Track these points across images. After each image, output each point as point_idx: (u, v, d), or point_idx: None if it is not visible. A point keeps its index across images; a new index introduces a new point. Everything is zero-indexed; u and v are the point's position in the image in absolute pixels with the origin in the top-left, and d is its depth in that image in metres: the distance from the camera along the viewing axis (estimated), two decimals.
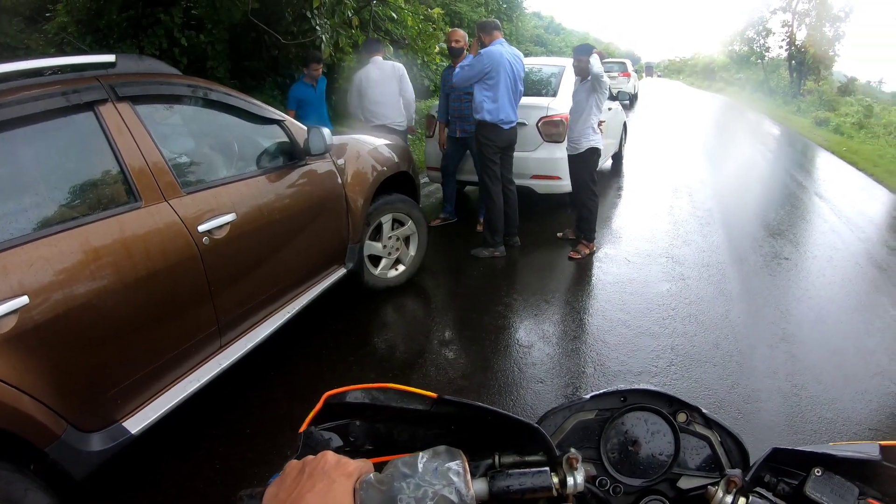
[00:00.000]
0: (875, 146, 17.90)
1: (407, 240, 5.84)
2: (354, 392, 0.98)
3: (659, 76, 77.73)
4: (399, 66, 7.88)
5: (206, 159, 3.96)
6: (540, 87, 8.05)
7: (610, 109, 7.26)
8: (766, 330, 5.23)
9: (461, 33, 7.36)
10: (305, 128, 4.50)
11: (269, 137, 4.37)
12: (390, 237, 5.63)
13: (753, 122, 25.55)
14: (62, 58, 3.26)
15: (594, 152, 6.73)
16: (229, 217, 3.59)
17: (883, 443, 0.92)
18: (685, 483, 1.04)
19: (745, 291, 6.09)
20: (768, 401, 4.19)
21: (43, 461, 2.58)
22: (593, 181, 6.88)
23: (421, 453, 0.78)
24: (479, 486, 0.82)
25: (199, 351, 3.47)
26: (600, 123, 6.74)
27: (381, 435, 1.02)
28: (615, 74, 26.52)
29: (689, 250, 7.25)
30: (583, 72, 6.58)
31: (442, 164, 7.85)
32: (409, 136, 8.42)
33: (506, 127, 6.51)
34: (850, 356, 4.85)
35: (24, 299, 2.48)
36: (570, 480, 0.85)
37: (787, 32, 40.65)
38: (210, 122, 4.12)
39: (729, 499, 0.87)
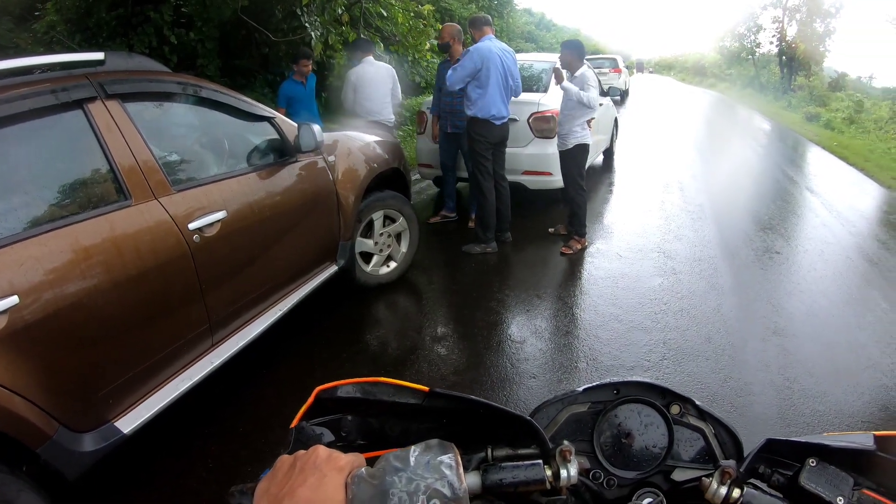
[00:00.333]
0: (866, 141, 17.95)
1: (398, 236, 5.83)
2: (346, 386, 0.98)
3: (650, 72, 77.73)
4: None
5: (197, 157, 3.95)
6: (531, 83, 8.04)
7: (601, 105, 7.25)
8: (757, 324, 5.25)
9: (449, 30, 7.33)
10: (296, 124, 4.48)
11: (260, 134, 4.36)
12: (382, 234, 5.61)
13: (744, 117, 25.61)
14: (51, 56, 3.24)
15: (582, 149, 6.76)
16: (220, 215, 3.58)
17: (877, 433, 0.92)
18: (679, 475, 1.03)
19: (736, 285, 6.10)
20: (761, 394, 4.20)
21: (35, 462, 2.57)
22: (581, 177, 6.89)
23: (413, 447, 0.77)
24: (472, 480, 0.82)
25: (190, 349, 3.46)
26: (589, 121, 6.76)
27: (374, 429, 1.01)
28: (606, 71, 26.45)
29: (681, 245, 7.26)
30: (569, 66, 6.62)
31: (441, 161, 7.86)
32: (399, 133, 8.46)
33: (497, 123, 6.51)
34: (841, 349, 4.87)
35: (14, 299, 2.46)
36: (563, 473, 0.84)
37: (777, 28, 40.68)
38: (200, 119, 4.11)
39: (723, 490, 0.87)
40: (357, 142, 5.37)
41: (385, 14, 11.37)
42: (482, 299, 5.70)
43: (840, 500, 0.86)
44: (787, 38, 39.19)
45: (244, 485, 0.83)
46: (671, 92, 38.53)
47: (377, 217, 5.50)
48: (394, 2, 11.66)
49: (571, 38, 7.31)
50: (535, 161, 7.76)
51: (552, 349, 4.84)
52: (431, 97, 8.16)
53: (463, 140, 7.15)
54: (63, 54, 3.32)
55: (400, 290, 5.91)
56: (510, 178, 7.16)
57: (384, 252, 5.75)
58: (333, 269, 4.92)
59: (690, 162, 13.05)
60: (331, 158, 4.86)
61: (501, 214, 6.96)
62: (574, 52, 6.64)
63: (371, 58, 7.79)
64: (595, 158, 10.57)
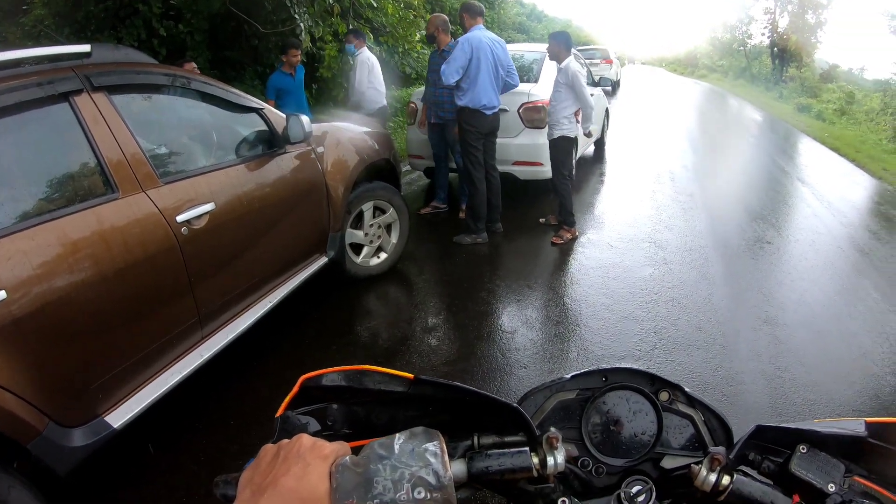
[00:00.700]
0: (857, 132, 18.03)
1: (389, 227, 5.81)
2: (331, 375, 0.96)
3: (642, 63, 77.74)
4: None
5: (184, 148, 3.91)
6: (521, 73, 8.01)
7: (592, 96, 7.25)
8: (749, 313, 5.26)
9: (435, 21, 7.31)
10: (284, 116, 4.46)
11: (248, 126, 4.33)
12: (372, 225, 5.60)
13: (735, 108, 25.67)
14: (37, 49, 3.22)
15: (567, 140, 6.79)
16: (208, 207, 3.56)
17: (868, 419, 0.91)
18: (669, 462, 1.01)
19: (727, 275, 6.12)
20: (752, 383, 4.21)
21: (26, 458, 2.56)
22: (565, 167, 6.93)
23: (398, 435, 0.76)
24: (458, 468, 0.80)
25: (180, 343, 3.44)
26: (576, 113, 6.77)
27: (360, 418, 1.00)
28: (597, 61, 26.46)
29: (672, 235, 7.27)
30: (557, 57, 6.64)
31: (433, 152, 7.85)
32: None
33: (488, 113, 6.50)
34: (832, 339, 4.89)
35: (2, 294, 2.45)
36: (550, 460, 0.83)
37: (769, 20, 40.78)
38: (187, 110, 4.06)
39: (713, 477, 0.86)
40: (346, 133, 5.35)
41: (375, 4, 11.32)
42: (473, 290, 5.69)
43: (831, 487, 0.85)
44: (779, 30, 39.32)
45: (228, 475, 0.82)
46: (662, 83, 38.54)
47: (367, 208, 5.49)
48: None
49: (560, 30, 7.28)
50: (525, 151, 7.76)
51: (543, 339, 4.83)
52: (422, 88, 8.18)
53: (447, 130, 7.19)
54: (48, 47, 3.29)
55: (390, 281, 5.90)
56: (501, 168, 7.16)
57: (374, 243, 5.73)
58: (323, 260, 4.90)
59: (681, 152, 13.07)
60: (320, 149, 4.84)
61: (492, 205, 6.95)
62: (561, 43, 6.63)
63: (365, 47, 7.89)
64: (586, 149, 10.61)
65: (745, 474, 0.88)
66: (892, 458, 0.91)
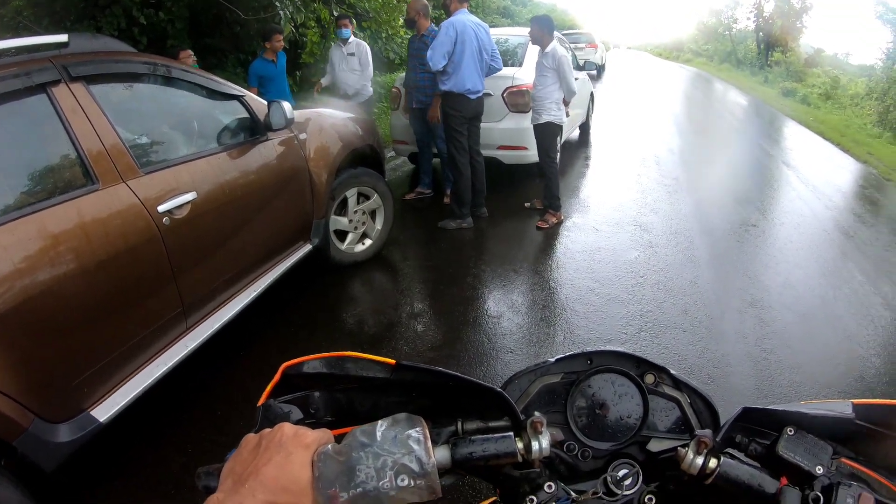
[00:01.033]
0: (842, 116, 18.12)
1: (373, 213, 5.79)
2: (312, 362, 0.95)
3: (628, 48, 77.76)
4: None
5: (165, 138, 3.86)
6: (506, 57, 7.98)
7: (577, 80, 7.23)
8: (734, 296, 5.28)
9: (414, 5, 7.25)
10: (266, 103, 4.42)
11: (229, 113, 4.29)
12: (356, 211, 5.57)
13: (721, 92, 25.71)
14: (14, 40, 3.18)
15: (554, 125, 6.76)
16: (190, 196, 3.52)
17: (855, 401, 0.90)
18: (655, 445, 0.99)
19: (713, 258, 6.13)
20: (738, 365, 4.23)
21: (12, 455, 2.54)
22: (552, 150, 6.91)
23: (380, 421, 0.76)
24: (441, 454, 0.79)
25: (164, 334, 3.41)
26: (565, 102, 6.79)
27: (342, 405, 0.99)
28: (582, 46, 26.46)
29: (657, 218, 7.28)
30: (539, 41, 6.61)
31: (416, 138, 7.80)
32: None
33: (472, 97, 6.47)
34: (818, 321, 4.92)
35: None
36: (534, 445, 0.82)
37: (754, 4, 40.83)
38: (167, 99, 4.02)
39: (700, 460, 0.84)
40: (329, 119, 5.31)
41: None
42: (458, 275, 5.69)
43: (819, 469, 0.83)
44: (765, 14, 39.37)
45: (210, 466, 0.81)
46: (648, 67, 38.51)
47: (351, 194, 5.45)
48: None
49: (542, 14, 7.24)
50: (510, 135, 7.75)
51: (529, 323, 4.83)
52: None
53: (427, 115, 7.13)
54: (25, 38, 3.27)
55: (376, 267, 5.88)
56: (485, 152, 7.15)
57: (359, 230, 5.71)
58: (308, 248, 4.87)
59: (667, 136, 13.07)
60: (302, 136, 4.81)
61: (477, 190, 6.94)
62: (544, 28, 6.58)
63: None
64: (571, 133, 10.62)
65: (733, 457, 0.86)
66: (880, 439, 0.90)
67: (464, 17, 6.33)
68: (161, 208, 3.30)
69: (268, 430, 0.74)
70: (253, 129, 4.35)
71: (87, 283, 2.88)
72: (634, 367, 1.04)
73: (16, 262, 2.56)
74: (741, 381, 4.05)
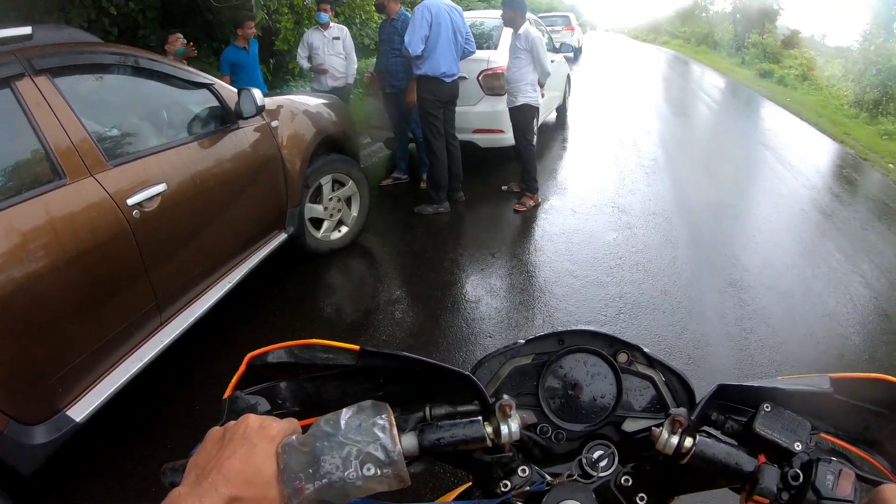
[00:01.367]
0: (818, 97, 18.18)
1: (349, 200, 5.75)
2: (277, 351, 0.94)
3: (605, 31, 77.85)
4: None
5: (133, 129, 3.79)
6: (481, 40, 7.93)
7: (553, 62, 7.19)
8: (713, 276, 5.28)
9: None
10: (236, 90, 4.36)
11: (199, 103, 4.23)
12: (331, 199, 5.53)
13: (698, 73, 25.77)
14: None
15: (530, 108, 6.74)
16: (160, 188, 3.46)
17: (833, 375, 0.88)
18: (630, 426, 0.98)
19: (691, 238, 6.13)
20: (718, 345, 4.24)
21: None
22: (529, 132, 6.89)
23: (345, 409, 0.74)
24: (408, 441, 0.78)
25: (139, 329, 3.37)
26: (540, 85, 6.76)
27: (310, 394, 0.97)
28: (559, 28, 26.41)
29: (636, 199, 7.28)
30: (512, 23, 6.56)
31: (390, 123, 7.76)
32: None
33: (448, 80, 6.42)
34: (797, 300, 4.94)
35: None
36: (504, 429, 0.81)
37: None
38: (135, 89, 3.94)
39: (674, 440, 0.82)
40: (301, 106, 5.26)
41: None
42: (436, 260, 5.65)
43: (798, 446, 0.82)
44: None
45: (176, 462, 0.80)
46: (625, 50, 38.58)
47: (325, 182, 5.41)
48: None
49: None
50: (486, 119, 7.71)
51: (508, 307, 4.80)
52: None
53: (401, 100, 7.10)
54: None
55: (352, 254, 5.83)
56: (461, 136, 7.12)
57: (335, 217, 5.67)
58: (283, 237, 4.83)
59: (644, 118, 13.05)
60: (274, 123, 4.76)
61: (453, 174, 6.91)
62: (516, 9, 6.51)
63: None
64: (548, 115, 10.61)
65: (709, 435, 0.85)
66: (859, 413, 0.89)
67: (437, 0, 6.25)
68: (130, 201, 3.24)
69: (232, 422, 0.73)
70: (223, 118, 4.30)
71: (58, 280, 2.82)
72: (607, 346, 1.01)
73: None
74: (721, 361, 4.07)
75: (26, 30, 3.16)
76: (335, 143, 5.58)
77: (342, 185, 5.59)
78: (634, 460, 0.94)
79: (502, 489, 0.90)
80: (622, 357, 1.01)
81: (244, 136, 4.40)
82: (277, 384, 0.96)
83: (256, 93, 4.30)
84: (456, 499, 1.13)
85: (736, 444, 0.86)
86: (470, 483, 1.02)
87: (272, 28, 11.05)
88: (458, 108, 6.88)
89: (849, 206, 7.46)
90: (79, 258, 2.92)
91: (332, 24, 8.20)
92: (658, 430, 0.84)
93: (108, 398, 3.04)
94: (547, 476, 0.93)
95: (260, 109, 4.35)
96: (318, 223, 5.55)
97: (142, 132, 3.81)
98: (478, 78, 7.57)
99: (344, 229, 5.78)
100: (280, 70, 11.68)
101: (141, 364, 3.27)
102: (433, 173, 6.80)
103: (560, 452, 0.99)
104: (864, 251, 5.98)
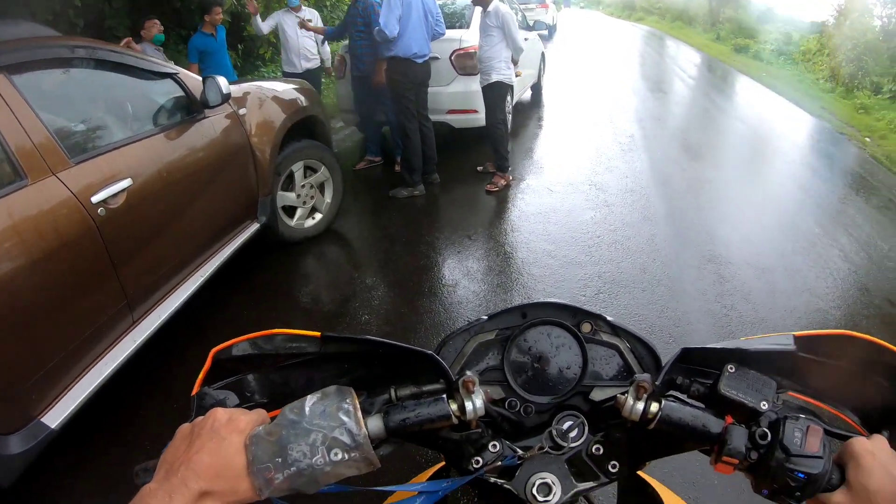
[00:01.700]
0: (794, 72, 18.19)
1: (322, 186, 5.68)
2: (240, 344, 0.95)
3: (580, 7, 77.80)
4: None
5: (96, 124, 3.68)
6: (453, 19, 7.86)
7: (527, 40, 7.12)
8: (693, 252, 5.28)
9: None
10: (200, 79, 4.27)
11: (163, 93, 4.13)
12: (304, 185, 5.46)
13: (673, 49, 25.78)
14: None
15: (503, 86, 6.69)
16: (125, 183, 3.36)
17: (797, 333, 0.89)
18: (597, 395, 0.99)
19: (669, 215, 6.12)
20: (698, 322, 4.25)
21: None
22: (501, 111, 6.83)
23: (309, 396, 0.76)
24: (374, 423, 0.79)
25: (110, 330, 3.30)
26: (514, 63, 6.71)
27: (277, 385, 0.98)
28: (533, 6, 26.32)
29: (612, 177, 7.26)
30: (480, 1, 6.51)
31: (355, 106, 7.72)
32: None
33: (419, 61, 6.35)
34: (777, 275, 4.95)
35: None
36: (468, 405, 0.82)
37: None
38: (97, 83, 3.82)
39: (640, 405, 0.84)
40: (269, 92, 5.18)
41: None
42: (412, 244, 5.62)
43: (764, 405, 0.83)
44: None
45: (147, 462, 0.80)
46: (600, 26, 38.50)
47: (297, 168, 5.34)
48: None
49: None
50: (459, 99, 7.64)
51: (485, 290, 4.77)
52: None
53: (368, 82, 7.02)
54: None
55: (327, 241, 5.78)
56: (434, 117, 7.09)
57: (308, 204, 5.60)
58: (255, 226, 4.77)
59: (621, 95, 13.02)
60: (242, 111, 4.68)
61: (427, 156, 6.86)
62: None
63: None
64: (523, 94, 10.57)
65: (676, 399, 0.87)
66: (824, 370, 0.90)
67: None
68: (95, 199, 3.14)
69: (200, 418, 0.74)
70: (189, 108, 4.21)
71: (24, 284, 2.74)
72: (570, 317, 1.03)
73: None
74: (703, 338, 4.04)
75: None
76: (306, 128, 5.51)
77: (314, 171, 5.52)
78: (604, 429, 0.95)
79: (474, 466, 0.91)
80: (586, 327, 1.02)
81: (211, 126, 4.31)
82: (245, 377, 0.97)
83: (222, 80, 4.20)
84: (430, 479, 1.13)
85: (703, 406, 0.86)
86: (443, 463, 1.06)
87: (241, 14, 10.93)
88: (430, 89, 6.82)
89: (826, 181, 7.48)
90: (45, 260, 2.83)
91: (303, 7, 8.10)
92: (623, 396, 0.85)
93: (84, 402, 2.98)
94: (518, 450, 0.93)
95: (226, 97, 4.25)
96: (291, 211, 5.49)
97: (105, 127, 3.70)
98: (450, 58, 7.49)
99: (318, 216, 5.71)
100: (250, 56, 11.57)
101: (115, 365, 3.21)
102: (407, 156, 6.74)
103: (530, 426, 0.99)
104: (843, 225, 5.99)
